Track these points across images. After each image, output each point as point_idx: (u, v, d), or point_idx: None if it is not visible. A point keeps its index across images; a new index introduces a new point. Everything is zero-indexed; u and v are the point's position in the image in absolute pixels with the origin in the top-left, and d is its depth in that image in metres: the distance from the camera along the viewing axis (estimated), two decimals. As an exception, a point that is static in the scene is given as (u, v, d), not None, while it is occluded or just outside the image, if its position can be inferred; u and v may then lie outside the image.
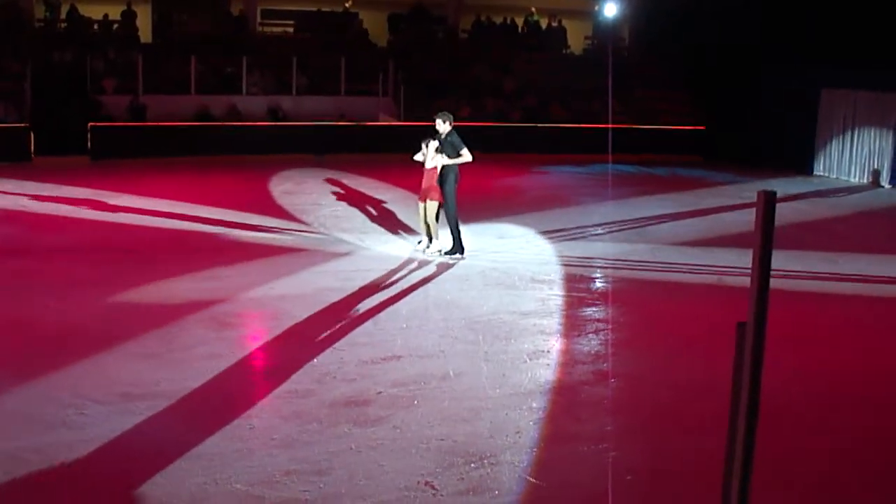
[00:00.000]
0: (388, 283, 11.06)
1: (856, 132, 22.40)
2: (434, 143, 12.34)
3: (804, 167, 23.46)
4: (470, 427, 6.76)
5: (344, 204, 16.81)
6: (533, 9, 30.71)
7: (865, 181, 21.89)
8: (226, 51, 25.50)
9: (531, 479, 5.91)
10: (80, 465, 5.91)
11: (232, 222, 14.59)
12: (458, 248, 12.48)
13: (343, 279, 11.13)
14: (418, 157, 12.44)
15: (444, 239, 12.57)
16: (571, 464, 6.21)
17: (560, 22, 30.42)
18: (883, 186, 21.45)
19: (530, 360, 8.46)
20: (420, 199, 12.45)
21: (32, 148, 21.51)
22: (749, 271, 2.69)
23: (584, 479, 5.97)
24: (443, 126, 12.47)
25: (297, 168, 21.28)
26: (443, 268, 11.90)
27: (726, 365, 2.94)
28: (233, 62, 25.07)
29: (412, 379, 7.72)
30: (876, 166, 21.77)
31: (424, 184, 12.34)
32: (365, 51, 27.68)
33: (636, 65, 29.20)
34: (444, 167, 12.30)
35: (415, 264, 12.05)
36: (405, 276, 11.44)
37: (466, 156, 12.29)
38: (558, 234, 14.52)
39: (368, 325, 9.25)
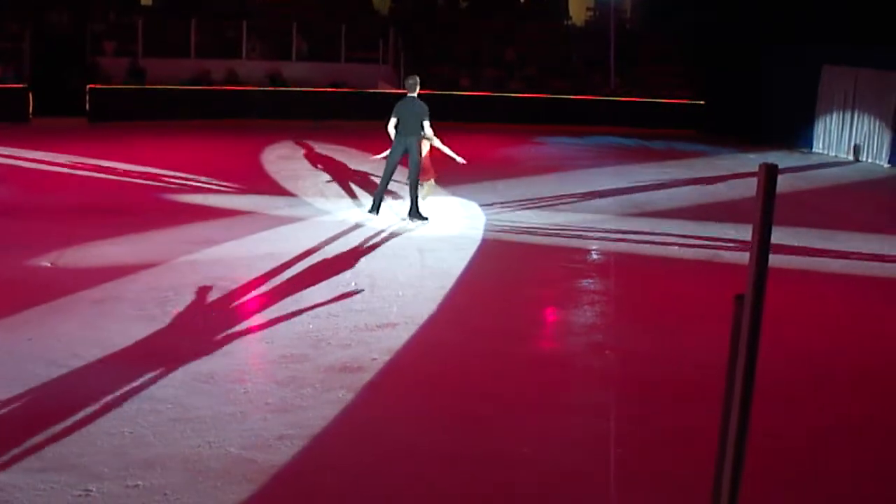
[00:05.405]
0: (385, 250, 11.05)
1: (856, 109, 22.31)
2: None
3: (803, 143, 23.42)
4: (462, 395, 6.78)
5: (341, 171, 16.76)
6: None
7: (864, 159, 21.85)
8: (226, 15, 25.34)
9: (521, 449, 5.93)
10: (73, 425, 5.92)
11: (229, 187, 14.55)
12: (416, 213, 12.51)
13: (341, 245, 11.12)
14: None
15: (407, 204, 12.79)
16: (562, 434, 6.22)
17: (562, -8, 30.27)
18: (861, 161, 21.55)
19: (525, 330, 8.48)
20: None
21: (31, 109, 21.44)
22: (745, 245, 2.68)
23: (574, 450, 5.99)
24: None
25: (295, 134, 21.20)
26: (440, 237, 11.89)
27: (722, 337, 2.94)
28: (233, 27, 24.91)
29: (407, 346, 7.73)
30: (875, 144, 21.70)
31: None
32: (366, 18, 27.52)
33: (637, 38, 29.06)
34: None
35: (413, 232, 12.04)
36: (403, 243, 11.43)
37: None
38: (556, 205, 14.50)
39: (365, 291, 9.26)
